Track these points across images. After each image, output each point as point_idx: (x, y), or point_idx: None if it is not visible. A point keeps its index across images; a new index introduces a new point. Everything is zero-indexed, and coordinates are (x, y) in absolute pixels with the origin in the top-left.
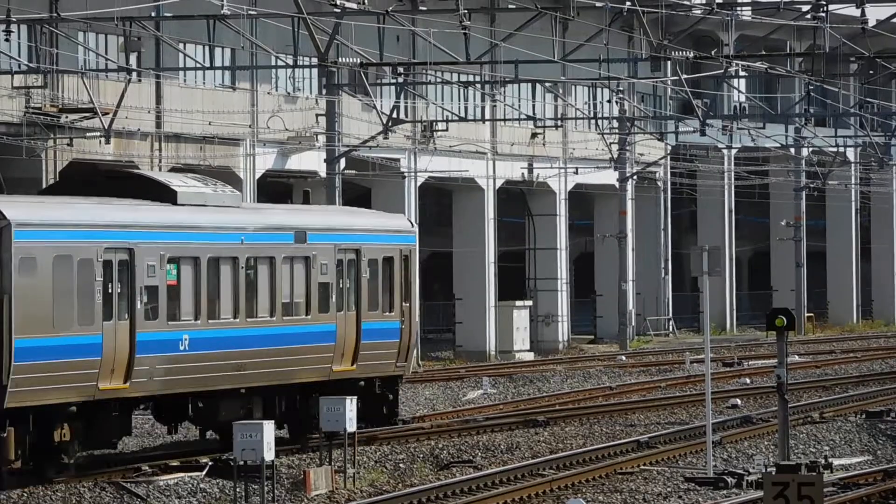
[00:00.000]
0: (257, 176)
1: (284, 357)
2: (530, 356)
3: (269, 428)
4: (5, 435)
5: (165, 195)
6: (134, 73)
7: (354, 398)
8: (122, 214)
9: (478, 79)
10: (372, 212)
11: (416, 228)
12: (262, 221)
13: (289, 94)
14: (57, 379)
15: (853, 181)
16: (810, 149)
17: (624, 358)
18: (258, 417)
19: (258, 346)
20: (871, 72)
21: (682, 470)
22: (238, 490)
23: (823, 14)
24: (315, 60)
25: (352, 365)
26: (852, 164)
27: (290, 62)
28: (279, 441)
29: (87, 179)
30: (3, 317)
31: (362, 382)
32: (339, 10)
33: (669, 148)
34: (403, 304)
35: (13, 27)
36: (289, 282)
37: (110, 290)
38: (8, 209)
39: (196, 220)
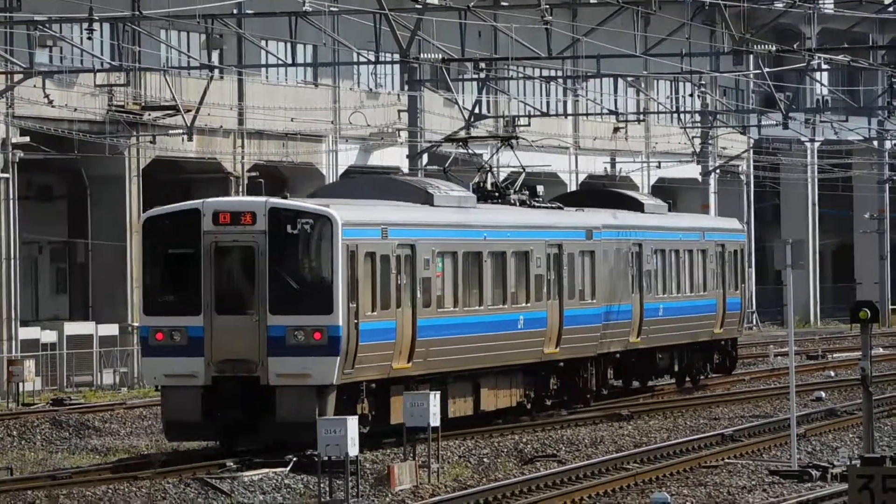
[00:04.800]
0: (339, 172)
1: (700, 321)
2: None
3: (352, 423)
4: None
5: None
6: (216, 71)
7: (438, 393)
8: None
9: (560, 74)
10: (721, 218)
11: (745, 228)
12: (701, 224)
13: (371, 90)
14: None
15: None
16: (893, 141)
17: None
18: (673, 368)
19: (694, 314)
20: None
21: (767, 463)
22: (322, 485)
23: None
24: (397, 56)
25: (720, 329)
26: None
27: (372, 58)
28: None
29: (592, 193)
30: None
31: (723, 342)
32: (420, 6)
33: (752, 141)
34: (741, 284)
35: (96, 26)
36: (701, 267)
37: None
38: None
39: (684, 223)
